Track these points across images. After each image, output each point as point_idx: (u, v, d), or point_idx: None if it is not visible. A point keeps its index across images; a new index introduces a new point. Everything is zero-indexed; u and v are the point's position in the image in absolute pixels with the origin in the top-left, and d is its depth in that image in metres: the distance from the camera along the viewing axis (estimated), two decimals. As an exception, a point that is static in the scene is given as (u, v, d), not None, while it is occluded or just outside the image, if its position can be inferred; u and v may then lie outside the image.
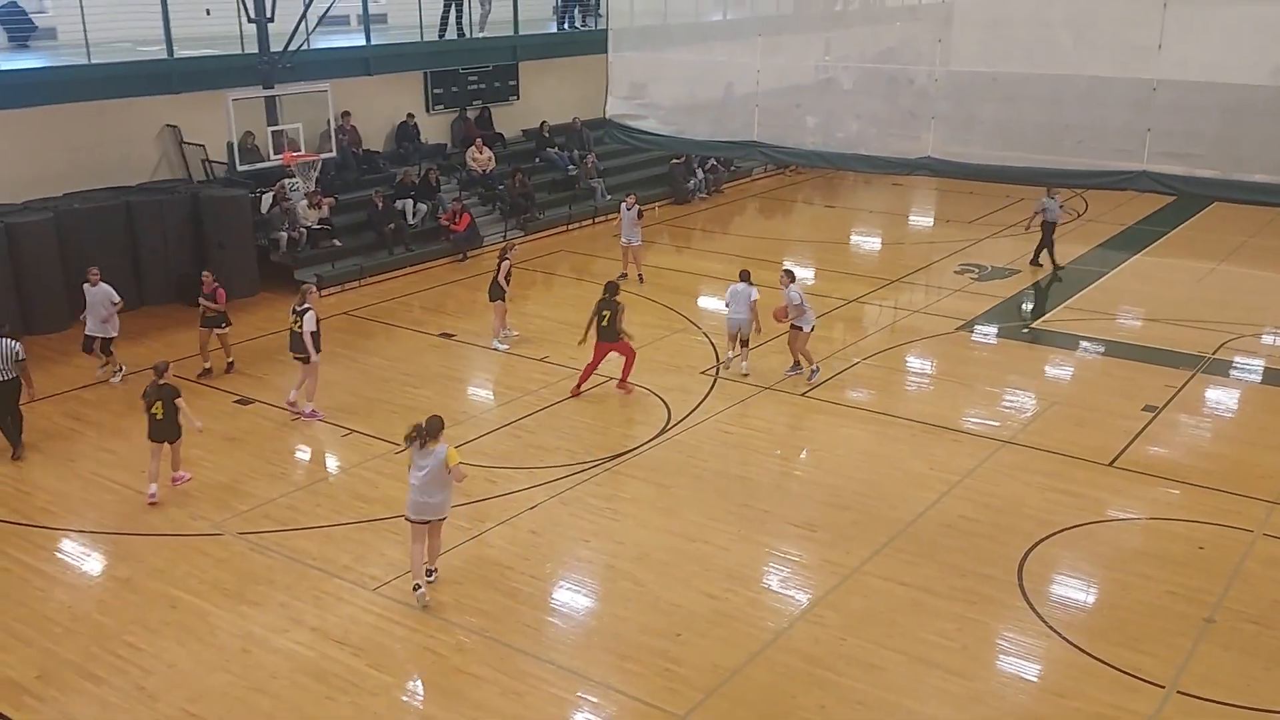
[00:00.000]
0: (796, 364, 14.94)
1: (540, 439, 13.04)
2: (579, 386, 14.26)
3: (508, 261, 15.97)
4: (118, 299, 14.61)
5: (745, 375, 14.92)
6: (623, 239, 19.40)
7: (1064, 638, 9.15)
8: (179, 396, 11.40)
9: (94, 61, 15.85)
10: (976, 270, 20.22)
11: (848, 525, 10.98)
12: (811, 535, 10.80)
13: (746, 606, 9.58)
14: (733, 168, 27.59)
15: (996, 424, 13.47)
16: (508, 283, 15.99)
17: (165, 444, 11.47)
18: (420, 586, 9.56)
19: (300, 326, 13.18)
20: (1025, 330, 17.15)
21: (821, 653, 8.92)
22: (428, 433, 9.31)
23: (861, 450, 12.80)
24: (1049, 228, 20.20)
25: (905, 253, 22.11)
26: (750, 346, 15.13)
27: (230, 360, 15.14)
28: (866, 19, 21.71)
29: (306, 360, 13.34)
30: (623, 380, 14.36)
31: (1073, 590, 9.99)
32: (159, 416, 11.28)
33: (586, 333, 14.17)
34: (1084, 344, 16.53)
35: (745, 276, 14.95)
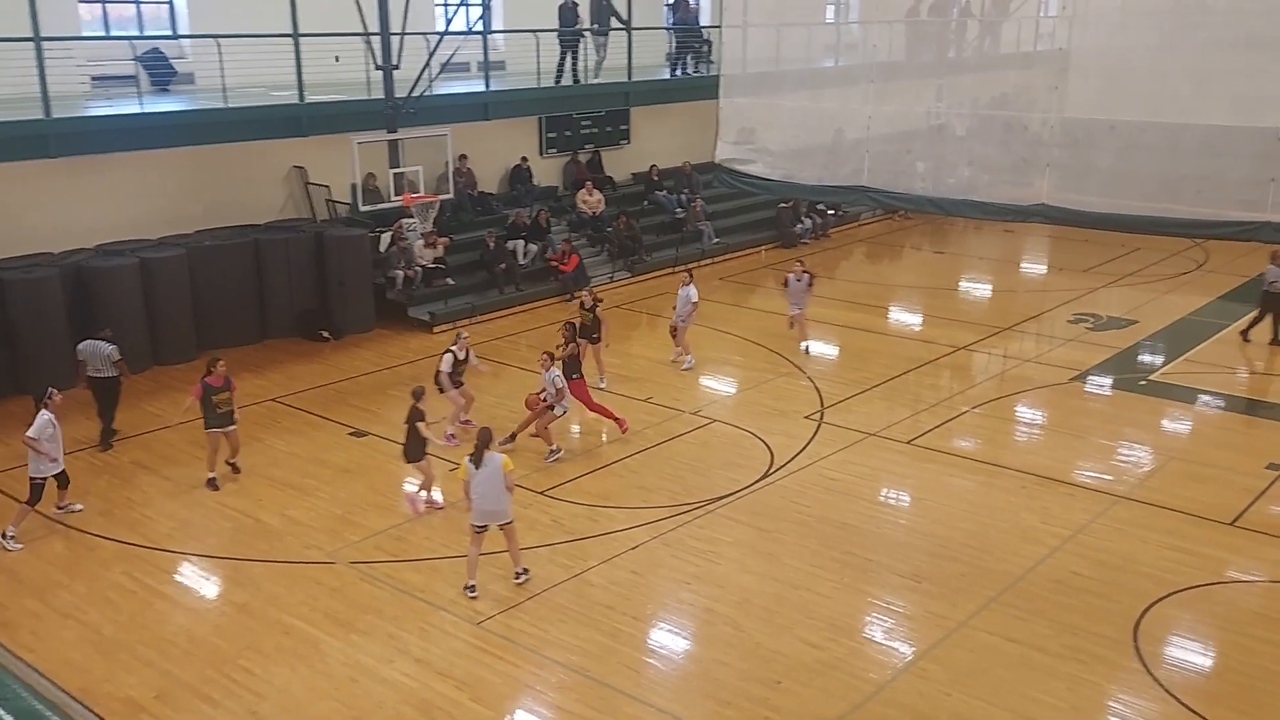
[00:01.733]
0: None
1: (642, 479, 13.13)
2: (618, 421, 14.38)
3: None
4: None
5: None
6: (791, 308, 18.07)
7: (1181, 702, 8.80)
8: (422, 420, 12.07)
9: (230, 105, 16.65)
10: (1091, 320, 19.71)
11: (954, 577, 10.77)
12: (917, 586, 10.62)
13: (849, 657, 9.47)
14: (840, 212, 27.51)
15: (1111, 478, 13.08)
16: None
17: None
18: (474, 588, 10.40)
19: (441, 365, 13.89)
20: (1142, 383, 16.63)
21: (926, 707, 8.75)
22: (483, 444, 10.23)
23: (969, 501, 12.55)
24: (1273, 299, 17.80)
25: (1016, 300, 21.69)
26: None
27: (234, 461, 13.20)
28: (980, 66, 21.53)
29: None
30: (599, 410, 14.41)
31: (1190, 653, 9.61)
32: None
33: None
34: (1203, 398, 15.95)
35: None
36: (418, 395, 12.16)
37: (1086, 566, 10.94)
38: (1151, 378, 16.93)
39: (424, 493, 12.40)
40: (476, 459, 10.25)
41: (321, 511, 12.26)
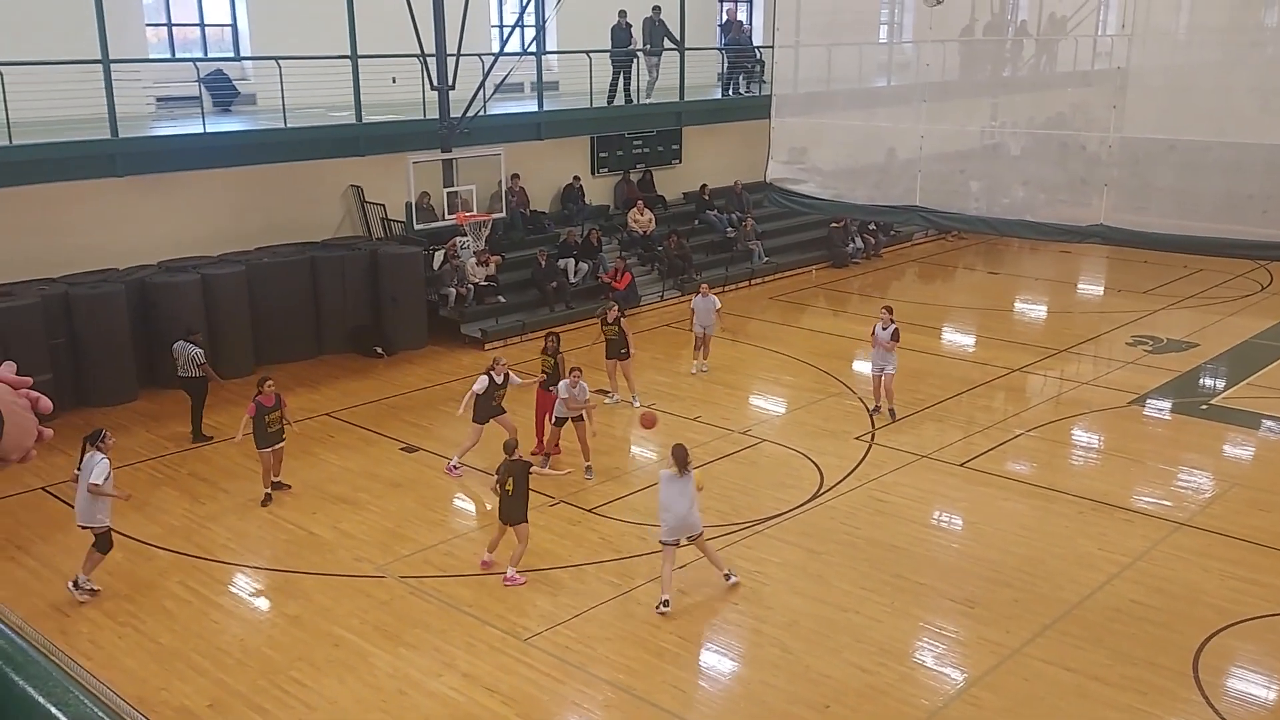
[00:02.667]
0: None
1: (692, 499, 13.08)
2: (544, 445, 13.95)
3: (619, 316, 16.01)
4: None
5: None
6: (873, 367, 15.81)
7: (1244, 738, 8.57)
8: (530, 470, 11.21)
9: (290, 126, 16.98)
10: (1150, 342, 19.35)
11: (1008, 603, 10.59)
12: (969, 611, 10.46)
13: (899, 682, 9.34)
14: (892, 232, 27.33)
15: (1171, 504, 12.80)
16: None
17: (509, 526, 11.03)
18: (668, 603, 10.36)
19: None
20: (1204, 407, 16.27)
21: (977, 735, 8.60)
22: (682, 459, 10.36)
23: (1023, 525, 12.35)
24: None
25: (1073, 322, 21.36)
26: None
27: (279, 479, 13.17)
28: (1035, 85, 21.31)
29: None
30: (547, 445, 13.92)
31: (1254, 685, 9.35)
32: (510, 492, 10.93)
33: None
34: (1267, 423, 15.57)
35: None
36: (510, 449, 11.19)
37: (1146, 594, 10.70)
38: (1213, 402, 16.57)
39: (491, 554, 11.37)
40: (681, 466, 10.33)
41: (373, 525, 12.38)
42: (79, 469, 10.75)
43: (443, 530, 12.35)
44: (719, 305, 17.72)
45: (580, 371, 13.48)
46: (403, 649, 9.87)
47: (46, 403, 1.69)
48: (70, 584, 10.75)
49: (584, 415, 13.41)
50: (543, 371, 14.27)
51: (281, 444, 12.95)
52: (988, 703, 9.01)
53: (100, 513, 10.66)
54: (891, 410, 15.50)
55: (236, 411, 15.87)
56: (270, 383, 12.76)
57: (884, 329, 15.22)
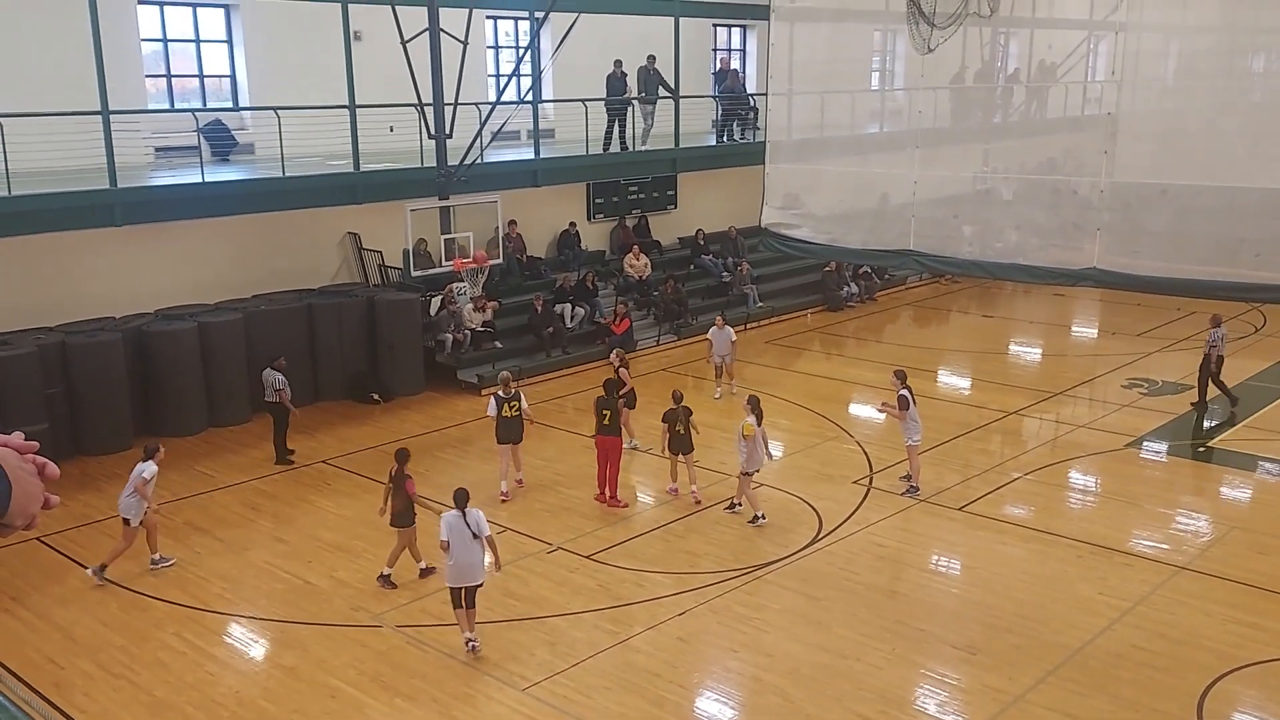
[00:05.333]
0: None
1: (689, 544, 13.05)
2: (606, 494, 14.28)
3: (625, 369, 16.20)
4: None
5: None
6: (907, 439, 14.37)
7: (1250, 785, 8.48)
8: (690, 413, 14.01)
9: (288, 175, 17.11)
10: (1145, 385, 19.39)
11: (1009, 649, 10.52)
12: (971, 658, 10.40)
13: (900, 730, 9.26)
14: (886, 276, 27.47)
15: (1169, 548, 12.77)
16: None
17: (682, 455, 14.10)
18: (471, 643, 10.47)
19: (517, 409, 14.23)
20: (1200, 449, 16.28)
21: (980, 784, 8.51)
22: (464, 501, 10.44)
23: (1023, 570, 12.31)
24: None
25: (1068, 365, 21.43)
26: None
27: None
28: (1027, 131, 21.53)
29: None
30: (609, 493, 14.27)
31: (1259, 733, 9.28)
32: (680, 432, 13.94)
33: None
34: (1264, 465, 15.57)
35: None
36: (678, 398, 14.25)
37: (1147, 639, 10.65)
38: (1210, 444, 16.59)
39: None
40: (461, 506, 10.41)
41: (369, 574, 12.29)
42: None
43: (440, 578, 12.24)
44: (734, 336, 18.96)
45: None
46: (399, 699, 9.78)
47: (54, 469, 1.70)
48: (91, 570, 12.08)
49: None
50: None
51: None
52: (991, 751, 8.93)
53: (132, 510, 12.05)
54: (912, 486, 14.36)
55: (233, 459, 15.88)
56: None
57: (902, 385, 14.22)
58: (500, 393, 14.39)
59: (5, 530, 1.68)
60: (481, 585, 10.60)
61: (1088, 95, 22.16)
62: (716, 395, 18.74)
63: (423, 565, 12.10)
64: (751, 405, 13.53)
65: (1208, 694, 9.69)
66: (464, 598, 10.44)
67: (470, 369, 19.60)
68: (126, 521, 12.10)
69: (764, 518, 13.37)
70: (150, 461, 12.17)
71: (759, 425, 13.33)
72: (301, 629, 11.14)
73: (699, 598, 11.61)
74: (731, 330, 19.02)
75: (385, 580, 11.97)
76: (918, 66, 19.61)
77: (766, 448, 13.95)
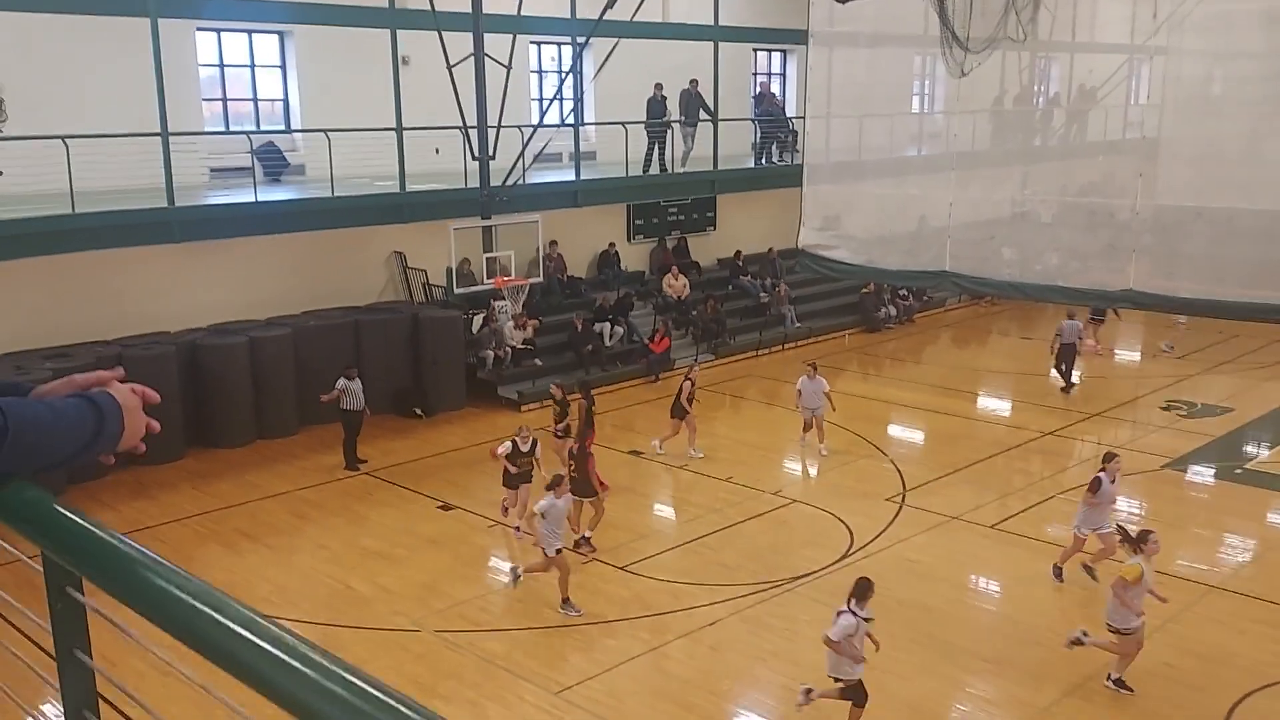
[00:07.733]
0: None
1: (722, 556, 13.25)
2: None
3: (689, 382, 16.51)
4: None
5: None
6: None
7: (1277, 800, 8.52)
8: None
9: (337, 195, 17.64)
10: (1185, 407, 19.32)
11: (1038, 663, 10.61)
12: (999, 671, 10.50)
13: (927, 739, 9.39)
14: (925, 298, 27.53)
15: (1205, 567, 12.77)
16: (690, 404, 16.47)
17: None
18: None
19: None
20: (1238, 471, 16.22)
21: (1005, 793, 8.62)
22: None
23: (1055, 586, 12.36)
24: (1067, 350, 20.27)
25: (1107, 386, 21.37)
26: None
27: None
28: (1065, 153, 21.59)
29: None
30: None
31: (1288, 750, 9.30)
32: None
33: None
34: (1305, 488, 15.49)
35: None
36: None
37: (1177, 656, 10.69)
38: (1248, 466, 16.51)
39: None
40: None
41: (410, 580, 12.64)
42: None
43: (477, 586, 12.58)
44: (828, 387, 16.92)
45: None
46: (437, 701, 10.05)
47: (153, 394, 1.99)
48: None
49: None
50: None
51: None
52: (1016, 761, 9.03)
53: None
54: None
55: (282, 469, 16.32)
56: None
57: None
58: (517, 441, 13.71)
59: (112, 455, 1.94)
60: None
61: (1129, 118, 22.17)
62: (802, 442, 16.96)
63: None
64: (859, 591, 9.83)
65: (1237, 710, 9.71)
66: None
67: (511, 385, 19.98)
68: None
69: None
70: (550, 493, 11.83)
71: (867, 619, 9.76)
72: (344, 632, 11.48)
73: (731, 608, 11.81)
74: (825, 381, 16.91)
75: (585, 541, 13.20)
76: (955, 90, 19.81)
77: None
